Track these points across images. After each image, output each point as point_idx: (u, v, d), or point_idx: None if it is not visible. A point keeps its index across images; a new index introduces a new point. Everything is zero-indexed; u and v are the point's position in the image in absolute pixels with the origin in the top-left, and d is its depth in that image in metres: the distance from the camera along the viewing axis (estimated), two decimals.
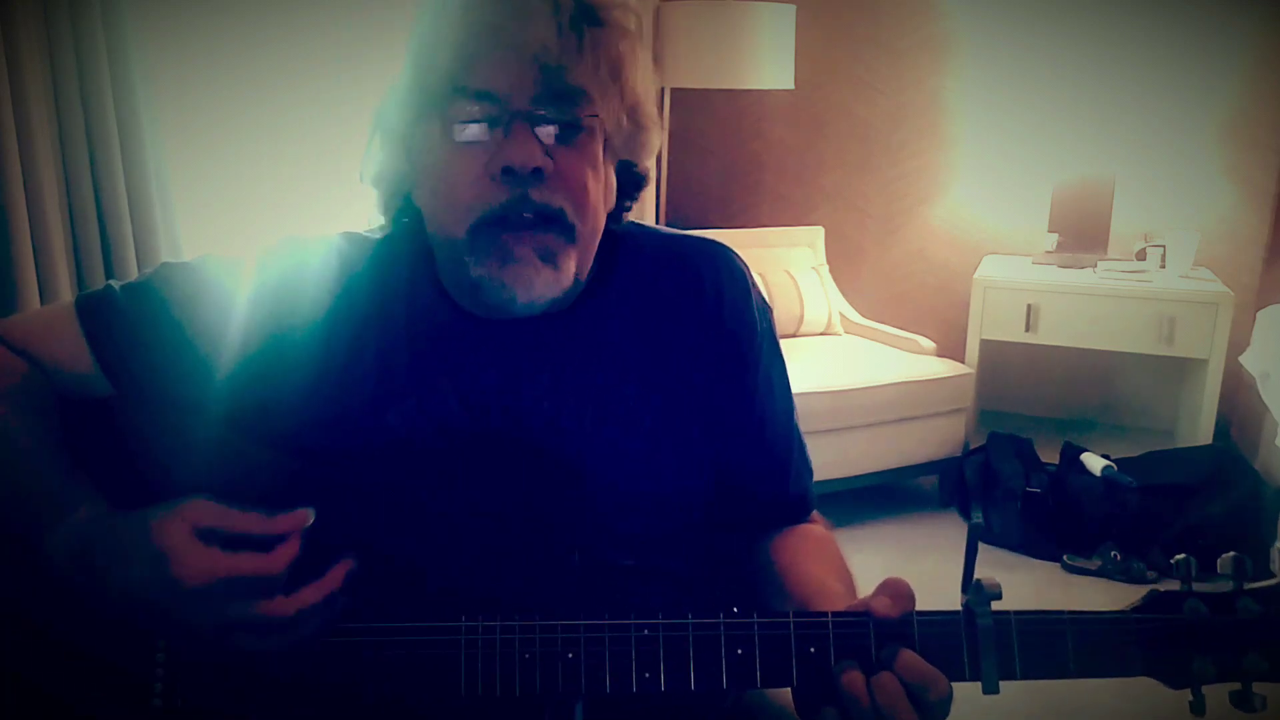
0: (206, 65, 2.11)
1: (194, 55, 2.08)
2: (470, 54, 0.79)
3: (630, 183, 0.91)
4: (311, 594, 0.72)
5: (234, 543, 0.72)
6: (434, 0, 0.82)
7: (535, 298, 0.82)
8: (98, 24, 1.76)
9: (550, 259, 0.81)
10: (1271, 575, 0.72)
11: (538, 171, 0.79)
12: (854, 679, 0.71)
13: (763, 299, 0.97)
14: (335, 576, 0.73)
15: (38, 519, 0.77)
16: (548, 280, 0.82)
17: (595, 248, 0.87)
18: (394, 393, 0.87)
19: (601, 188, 0.85)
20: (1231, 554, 0.72)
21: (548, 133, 0.80)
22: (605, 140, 0.85)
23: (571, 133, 0.81)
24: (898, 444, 3.00)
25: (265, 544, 0.73)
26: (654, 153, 0.91)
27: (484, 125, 0.80)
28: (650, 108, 0.89)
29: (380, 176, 0.88)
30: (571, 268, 0.83)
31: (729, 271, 0.95)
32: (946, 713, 0.71)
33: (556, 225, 0.81)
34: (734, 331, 0.93)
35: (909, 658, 0.71)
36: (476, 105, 0.79)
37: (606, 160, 0.86)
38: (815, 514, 1.01)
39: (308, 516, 0.74)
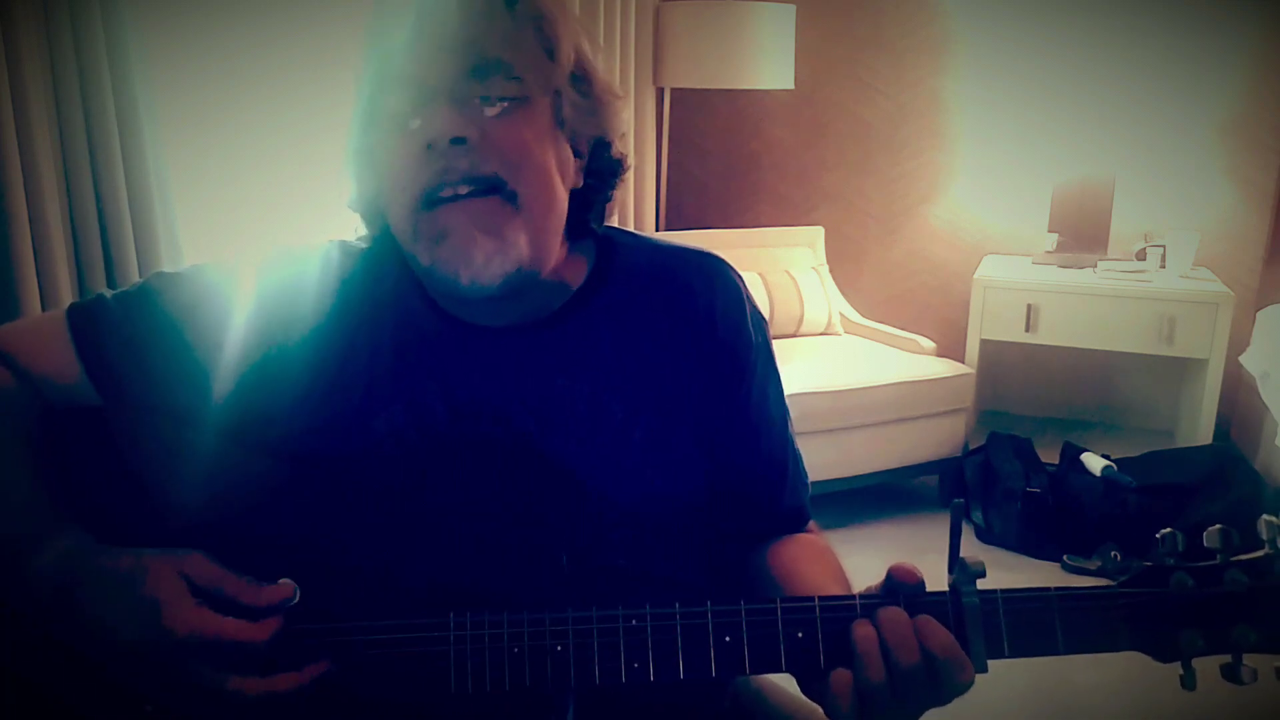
0: (206, 66, 2.11)
1: (194, 56, 2.08)
2: (394, 47, 0.80)
3: (606, 167, 0.90)
4: (285, 682, 0.72)
5: (222, 606, 0.73)
6: (370, 16, 0.85)
7: (477, 273, 0.79)
8: (98, 24, 1.76)
9: (491, 229, 0.79)
10: (1260, 547, 0.72)
11: (459, 141, 0.78)
12: (867, 634, 0.70)
13: (758, 311, 0.96)
14: (310, 672, 0.73)
15: (15, 544, 0.77)
16: (489, 251, 0.79)
17: (555, 224, 0.85)
18: (382, 399, 0.87)
19: (553, 160, 0.84)
20: (1218, 526, 0.72)
21: (474, 106, 0.80)
22: (556, 114, 0.84)
23: (503, 104, 0.80)
24: (898, 444, 3.00)
25: (251, 614, 0.73)
26: (621, 126, 0.90)
27: (412, 111, 0.80)
28: (604, 79, 0.88)
29: (358, 200, 0.89)
30: (521, 240, 0.80)
31: (723, 283, 0.94)
32: (959, 692, 0.71)
33: (495, 192, 0.80)
34: (727, 343, 0.92)
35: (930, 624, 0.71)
36: (404, 94, 0.80)
37: (559, 134, 0.85)
38: (812, 525, 1.00)
39: (294, 593, 0.74)
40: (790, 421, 0.99)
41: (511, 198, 0.80)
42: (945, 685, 0.70)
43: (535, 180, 0.81)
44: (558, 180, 0.84)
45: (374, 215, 0.90)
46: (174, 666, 0.71)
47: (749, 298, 0.96)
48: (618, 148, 0.91)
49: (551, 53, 0.83)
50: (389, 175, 0.82)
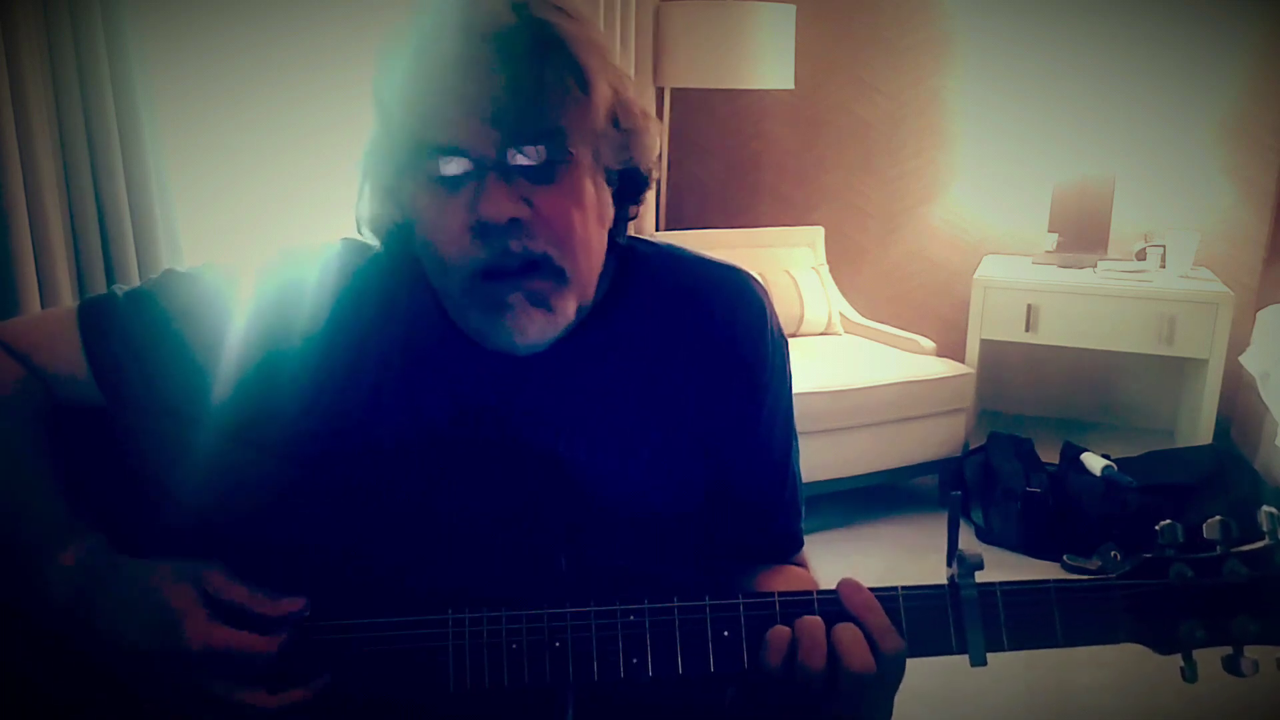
0: (207, 65, 2.11)
1: (194, 55, 2.08)
2: (429, 110, 0.76)
3: (632, 188, 0.88)
4: (295, 695, 0.74)
5: (235, 619, 0.74)
6: (389, 52, 0.80)
7: (532, 341, 0.81)
8: (98, 24, 1.75)
9: (541, 303, 0.80)
10: (1260, 538, 0.72)
11: (514, 222, 0.77)
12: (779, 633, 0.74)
13: (779, 331, 0.95)
14: (316, 686, 0.75)
15: (37, 547, 0.77)
16: (542, 324, 0.81)
17: (595, 278, 0.85)
18: (389, 404, 0.87)
19: (594, 213, 0.82)
20: (1218, 518, 0.72)
21: (522, 182, 0.77)
22: (594, 156, 0.82)
23: (549, 170, 0.78)
24: (898, 444, 3.00)
25: (264, 625, 0.74)
26: (654, 150, 0.87)
27: (459, 179, 0.78)
28: (638, 106, 0.85)
29: (375, 224, 0.87)
30: (569, 307, 0.82)
31: (745, 301, 0.92)
32: (898, 672, 0.73)
33: (543, 270, 0.79)
34: (744, 362, 0.91)
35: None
36: (448, 160, 0.77)
37: (598, 176, 0.83)
38: (803, 555, 1.00)
39: (304, 606, 0.76)
40: (796, 447, 0.99)
41: (559, 274, 0.80)
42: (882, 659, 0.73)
43: (580, 251, 0.81)
44: (597, 233, 0.84)
45: (392, 238, 0.87)
46: (186, 678, 0.72)
47: (772, 317, 0.94)
48: (646, 168, 0.88)
49: (590, 103, 0.79)
50: (433, 238, 0.80)
